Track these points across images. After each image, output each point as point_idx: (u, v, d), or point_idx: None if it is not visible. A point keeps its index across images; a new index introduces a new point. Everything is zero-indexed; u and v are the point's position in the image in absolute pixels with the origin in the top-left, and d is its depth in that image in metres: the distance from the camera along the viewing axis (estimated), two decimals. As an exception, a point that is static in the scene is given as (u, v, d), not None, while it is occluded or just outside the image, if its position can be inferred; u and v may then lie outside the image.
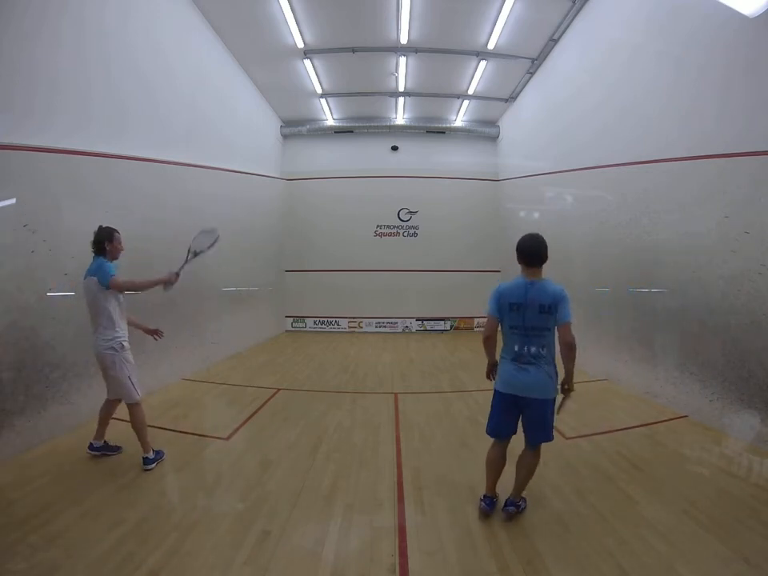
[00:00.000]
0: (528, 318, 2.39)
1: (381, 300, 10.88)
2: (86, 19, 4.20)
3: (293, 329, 10.99)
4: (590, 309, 6.37)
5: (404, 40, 7.27)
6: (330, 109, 10.25)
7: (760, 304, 3.49)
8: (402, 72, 8.40)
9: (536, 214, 8.91)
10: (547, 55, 7.66)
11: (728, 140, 3.85)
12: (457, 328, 11.01)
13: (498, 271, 10.86)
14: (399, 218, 11.10)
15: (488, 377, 2.68)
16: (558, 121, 7.47)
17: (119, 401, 3.27)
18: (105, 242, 3.12)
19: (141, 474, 3.05)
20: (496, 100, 9.67)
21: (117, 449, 3.36)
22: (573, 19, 6.63)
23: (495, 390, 2.57)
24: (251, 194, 8.85)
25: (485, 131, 10.87)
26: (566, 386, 2.43)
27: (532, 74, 8.36)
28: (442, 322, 11.01)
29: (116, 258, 3.20)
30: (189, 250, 3.37)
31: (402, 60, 7.96)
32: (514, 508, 2.52)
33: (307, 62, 8.02)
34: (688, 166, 4.36)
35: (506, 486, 2.61)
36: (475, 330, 10.95)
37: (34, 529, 2.35)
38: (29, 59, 3.55)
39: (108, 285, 3.00)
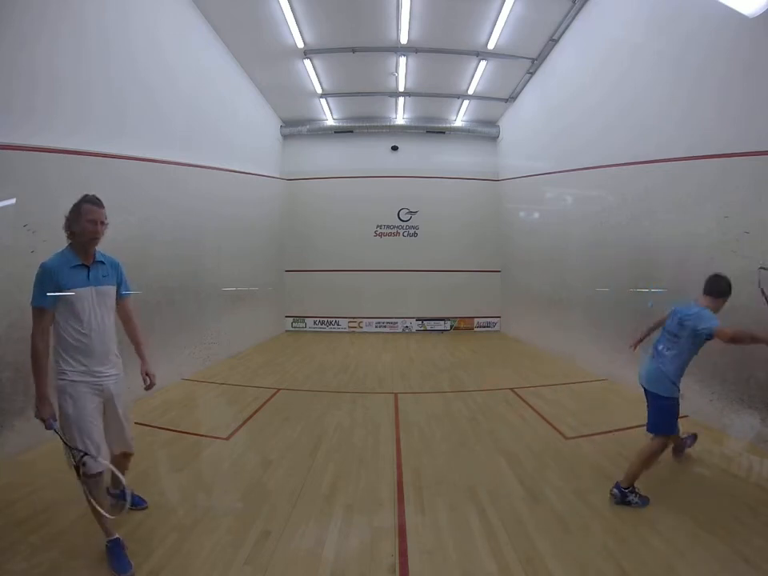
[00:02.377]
0: (671, 324, 2.89)
1: (381, 300, 10.87)
2: (86, 19, 4.20)
3: (293, 329, 10.97)
4: (590, 308, 6.38)
5: (404, 40, 7.25)
6: (330, 109, 10.24)
7: (760, 304, 3.48)
8: (402, 72, 8.38)
9: (536, 214, 8.91)
10: (547, 55, 7.65)
11: (728, 140, 3.84)
12: (457, 328, 10.99)
13: (498, 271, 10.88)
14: (399, 218, 11.08)
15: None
16: (558, 121, 7.46)
17: (123, 453, 2.39)
18: (71, 223, 2.17)
19: (141, 475, 3.04)
20: (496, 100, 9.66)
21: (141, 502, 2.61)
22: (573, 19, 6.62)
23: None
24: (251, 194, 8.84)
25: (485, 131, 10.85)
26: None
27: (532, 73, 8.35)
28: (442, 321, 11.00)
29: (88, 241, 2.18)
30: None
31: (402, 60, 7.95)
32: (618, 491, 2.62)
33: (307, 62, 8.01)
34: (688, 165, 4.36)
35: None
36: (475, 330, 10.95)
37: (33, 529, 2.35)
38: (29, 59, 3.55)
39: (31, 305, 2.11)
